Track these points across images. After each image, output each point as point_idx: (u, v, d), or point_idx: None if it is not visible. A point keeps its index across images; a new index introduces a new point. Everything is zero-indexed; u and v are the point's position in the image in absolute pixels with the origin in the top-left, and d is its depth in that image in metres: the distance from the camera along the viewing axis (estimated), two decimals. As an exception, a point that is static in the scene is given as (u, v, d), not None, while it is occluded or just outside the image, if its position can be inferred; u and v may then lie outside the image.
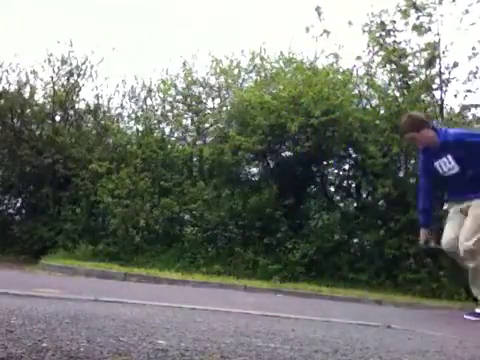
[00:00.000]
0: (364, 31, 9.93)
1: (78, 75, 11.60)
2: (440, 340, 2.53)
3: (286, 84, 9.92)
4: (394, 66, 9.87)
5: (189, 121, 11.45)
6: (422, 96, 9.79)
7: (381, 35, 9.87)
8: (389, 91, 10.20)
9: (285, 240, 9.14)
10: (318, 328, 2.41)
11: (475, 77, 9.48)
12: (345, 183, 10.59)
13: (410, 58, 9.91)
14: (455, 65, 9.55)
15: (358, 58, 10.14)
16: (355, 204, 10.46)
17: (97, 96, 11.62)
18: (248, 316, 2.70)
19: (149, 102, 11.62)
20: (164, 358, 1.36)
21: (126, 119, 11.89)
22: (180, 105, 11.50)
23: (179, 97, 11.46)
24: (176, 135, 11.52)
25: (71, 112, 11.78)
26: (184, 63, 11.42)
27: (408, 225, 8.94)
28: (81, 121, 11.95)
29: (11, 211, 11.91)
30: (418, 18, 9.65)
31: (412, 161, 9.96)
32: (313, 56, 10.86)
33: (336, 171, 10.67)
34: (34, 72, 11.42)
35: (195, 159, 10.90)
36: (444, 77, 9.64)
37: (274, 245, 9.19)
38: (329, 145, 9.67)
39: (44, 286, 3.56)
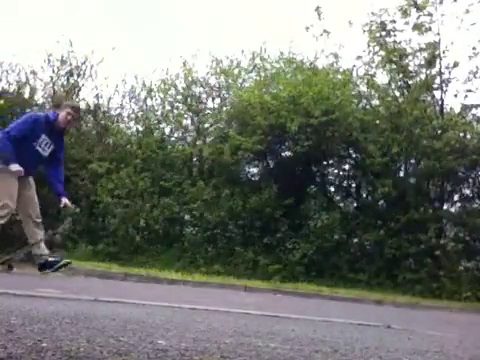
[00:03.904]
0: (364, 31, 9.94)
1: (78, 75, 11.55)
2: (440, 340, 2.53)
3: (286, 84, 9.92)
4: (394, 66, 9.87)
5: (189, 121, 11.44)
6: (422, 96, 9.79)
7: (381, 35, 9.87)
8: (389, 91, 10.20)
9: (285, 240, 9.14)
10: (318, 328, 2.41)
11: (475, 77, 9.49)
12: (345, 183, 10.59)
13: (410, 58, 9.92)
14: (455, 65, 9.55)
15: (358, 58, 10.15)
16: (355, 204, 10.47)
17: (97, 96, 11.58)
18: (248, 316, 2.70)
19: (149, 102, 11.60)
20: (164, 358, 1.36)
21: (126, 119, 11.87)
22: (180, 105, 11.49)
23: (179, 97, 11.44)
24: (176, 135, 11.51)
25: (71, 112, 11.75)
26: (184, 63, 11.41)
27: (408, 225, 8.95)
28: (81, 121, 11.92)
29: (11, 211, 11.88)
30: (419, 17, 9.67)
31: (412, 160, 9.97)
32: (313, 56, 10.85)
33: (336, 171, 10.67)
34: (34, 72, 11.39)
35: (195, 159, 10.88)
36: (444, 77, 9.65)
37: (274, 245, 9.20)
38: (329, 145, 9.67)
39: (44, 286, 3.55)
